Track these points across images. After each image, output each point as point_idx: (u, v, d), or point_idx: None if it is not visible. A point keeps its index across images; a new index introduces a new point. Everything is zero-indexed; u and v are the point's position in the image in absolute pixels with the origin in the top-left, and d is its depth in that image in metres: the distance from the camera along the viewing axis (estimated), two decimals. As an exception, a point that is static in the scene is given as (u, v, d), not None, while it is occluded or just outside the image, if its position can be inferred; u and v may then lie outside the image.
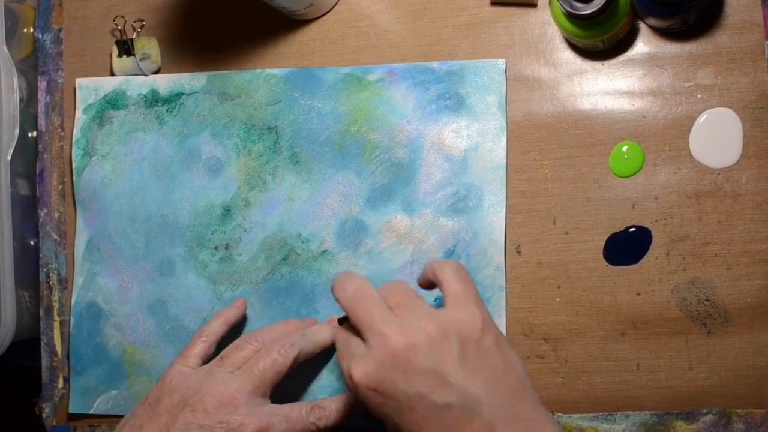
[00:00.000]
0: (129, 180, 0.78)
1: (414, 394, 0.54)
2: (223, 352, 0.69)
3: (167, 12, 0.79)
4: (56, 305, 0.80)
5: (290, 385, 0.72)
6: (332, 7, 0.76)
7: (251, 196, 0.75)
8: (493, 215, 0.71)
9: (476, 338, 0.56)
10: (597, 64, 0.71)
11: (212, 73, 0.77)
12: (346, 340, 0.60)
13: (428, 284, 0.63)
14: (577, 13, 0.63)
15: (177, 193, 0.77)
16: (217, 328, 0.71)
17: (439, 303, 0.70)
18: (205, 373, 0.67)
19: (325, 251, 0.74)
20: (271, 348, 0.67)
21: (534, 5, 0.72)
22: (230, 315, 0.73)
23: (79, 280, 0.78)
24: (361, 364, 0.56)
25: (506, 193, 0.71)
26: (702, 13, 0.68)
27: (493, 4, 0.73)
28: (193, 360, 0.69)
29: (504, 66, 0.72)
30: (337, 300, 0.61)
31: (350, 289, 0.60)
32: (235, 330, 0.74)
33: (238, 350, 0.68)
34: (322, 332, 0.70)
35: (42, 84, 0.81)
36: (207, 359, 0.70)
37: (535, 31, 0.72)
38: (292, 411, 0.66)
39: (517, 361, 0.58)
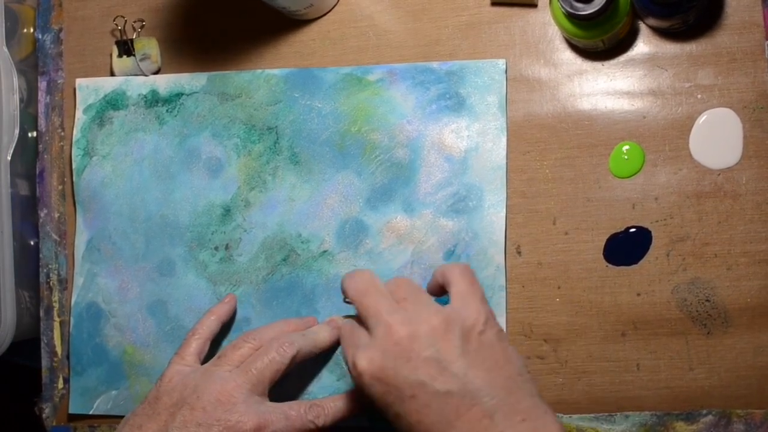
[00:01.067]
0: (129, 180, 0.78)
1: (416, 381, 0.56)
2: (221, 351, 0.69)
3: (167, 12, 0.79)
4: (56, 305, 0.80)
5: (290, 384, 0.72)
6: (332, 8, 0.76)
7: (251, 196, 0.75)
8: (493, 215, 0.71)
9: (478, 331, 0.58)
10: (597, 65, 0.71)
11: (212, 73, 0.77)
12: (350, 330, 0.62)
13: (437, 289, 0.64)
14: (577, 13, 0.63)
15: (177, 193, 0.77)
16: (209, 324, 0.72)
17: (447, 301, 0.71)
18: (203, 371, 0.67)
19: (325, 251, 0.73)
20: (269, 347, 0.67)
21: (534, 5, 0.72)
22: (221, 312, 0.73)
23: (79, 280, 0.78)
24: (366, 352, 0.58)
25: (506, 193, 0.71)
26: (702, 13, 0.68)
27: (493, 4, 0.73)
28: (190, 358, 0.69)
29: (504, 66, 0.71)
30: (344, 291, 0.63)
31: (359, 280, 0.62)
32: (233, 330, 0.75)
33: (237, 349, 0.68)
34: (322, 332, 0.70)
35: (42, 84, 0.81)
36: (203, 357, 0.70)
37: (535, 32, 0.72)
38: (291, 409, 0.66)
39: (517, 355, 0.59)
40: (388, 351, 0.57)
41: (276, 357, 0.66)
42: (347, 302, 0.63)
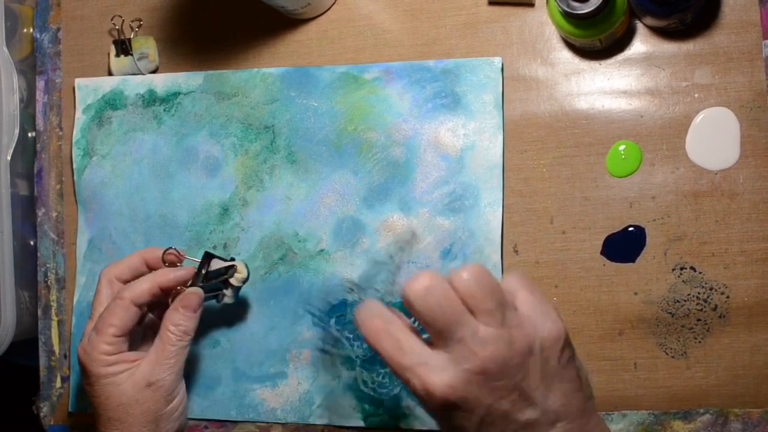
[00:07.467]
0: (128, 180, 0.78)
1: (499, 410, 0.52)
2: None
3: (165, 11, 0.79)
4: (54, 304, 0.80)
5: (289, 389, 0.72)
6: (330, 7, 0.76)
7: (249, 195, 0.75)
8: (489, 214, 0.71)
9: (559, 348, 0.53)
10: (594, 64, 0.71)
11: (209, 72, 0.77)
12: (408, 345, 0.53)
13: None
14: (574, 12, 0.63)
15: (175, 192, 0.77)
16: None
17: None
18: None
19: (322, 250, 0.73)
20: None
21: (531, 5, 0.72)
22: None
23: (80, 279, 0.78)
24: (444, 377, 0.51)
25: (503, 192, 0.71)
26: (699, 12, 0.68)
27: (490, 3, 0.73)
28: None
29: (500, 64, 0.71)
30: (408, 301, 0.52)
31: (429, 287, 0.52)
32: (232, 331, 0.75)
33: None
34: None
35: (40, 83, 0.81)
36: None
37: (532, 31, 0.72)
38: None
39: (586, 374, 0.56)
40: (472, 379, 0.51)
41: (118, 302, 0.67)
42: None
